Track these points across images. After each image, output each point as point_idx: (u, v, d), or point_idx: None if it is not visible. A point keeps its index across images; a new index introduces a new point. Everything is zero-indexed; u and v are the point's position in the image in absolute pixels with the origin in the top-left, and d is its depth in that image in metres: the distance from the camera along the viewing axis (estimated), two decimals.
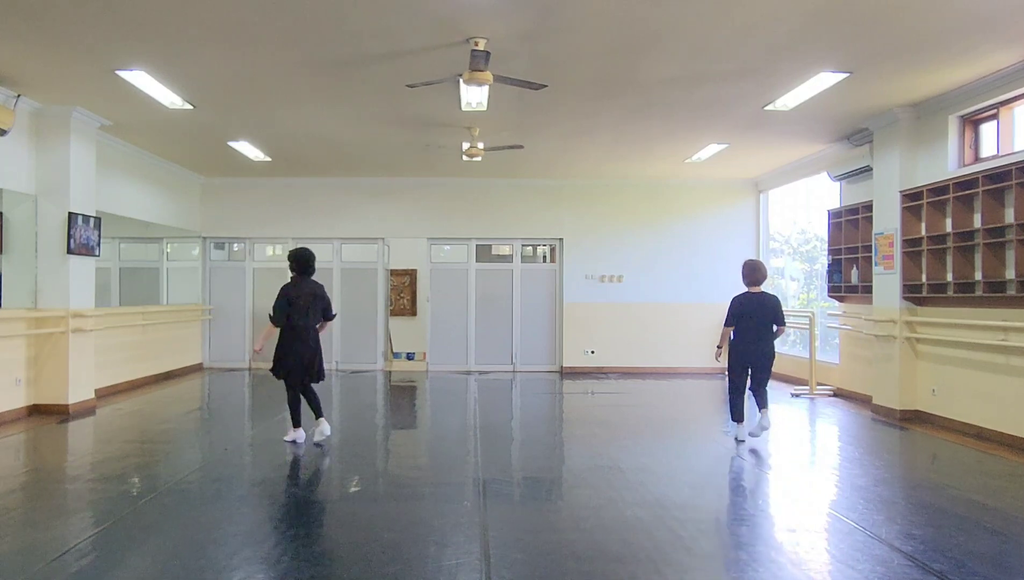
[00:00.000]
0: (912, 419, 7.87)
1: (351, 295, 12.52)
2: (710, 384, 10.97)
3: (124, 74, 6.64)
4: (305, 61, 6.35)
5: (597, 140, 9.37)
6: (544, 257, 12.85)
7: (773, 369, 6.66)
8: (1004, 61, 6.28)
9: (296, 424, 6.48)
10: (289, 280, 6.44)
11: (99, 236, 8.54)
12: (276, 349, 6.33)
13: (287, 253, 6.57)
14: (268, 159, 10.55)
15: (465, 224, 12.48)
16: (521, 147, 9.34)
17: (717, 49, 6.00)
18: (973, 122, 7.38)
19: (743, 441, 6.63)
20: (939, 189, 7.46)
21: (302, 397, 6.46)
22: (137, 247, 12.62)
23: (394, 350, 12.39)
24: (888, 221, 8.17)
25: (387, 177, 12.29)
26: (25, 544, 3.98)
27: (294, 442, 6.44)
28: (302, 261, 6.43)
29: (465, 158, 9.38)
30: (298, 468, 5.82)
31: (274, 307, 6.26)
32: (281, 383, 6.44)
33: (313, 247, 6.71)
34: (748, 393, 6.67)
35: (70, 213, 7.95)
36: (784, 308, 6.88)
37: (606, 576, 3.59)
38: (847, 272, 9.33)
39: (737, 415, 6.70)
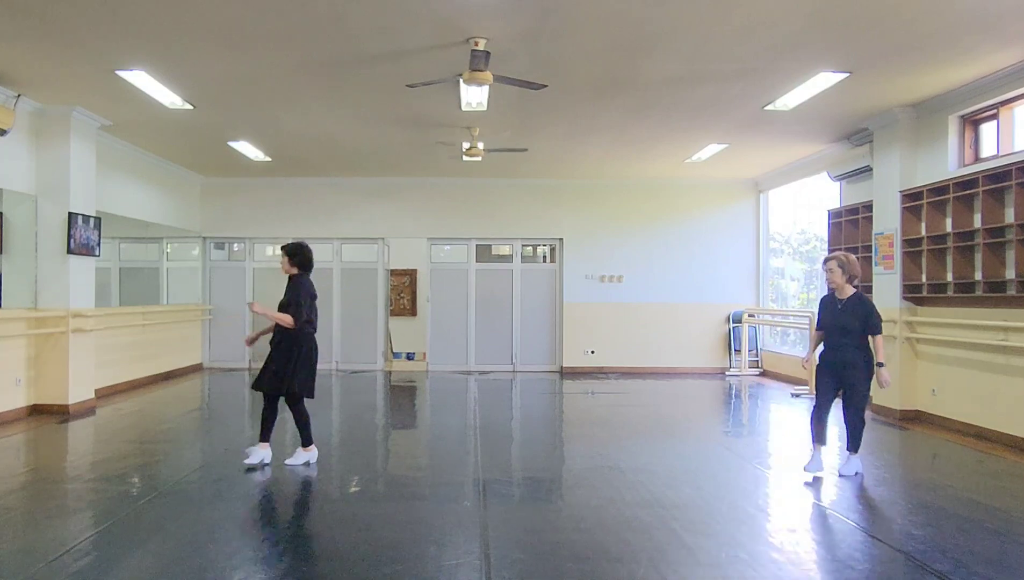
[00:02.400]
0: (912, 419, 7.86)
1: (351, 295, 12.52)
2: (710, 384, 10.97)
3: (124, 74, 6.63)
4: (305, 61, 6.35)
5: (597, 140, 9.37)
6: (544, 257, 12.85)
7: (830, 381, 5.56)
8: (1004, 61, 6.27)
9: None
10: (295, 278, 5.66)
11: (99, 236, 8.54)
12: (304, 359, 5.59)
13: (285, 247, 5.72)
14: (268, 159, 10.55)
15: (465, 224, 12.47)
16: (525, 150, 9.34)
17: (717, 49, 5.99)
18: (973, 122, 7.37)
19: (814, 473, 5.49)
20: (939, 189, 7.45)
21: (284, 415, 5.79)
22: (137, 247, 12.62)
23: (394, 350, 12.39)
24: (888, 221, 8.17)
25: (387, 177, 12.28)
26: (25, 544, 3.98)
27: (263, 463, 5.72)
28: (310, 257, 5.77)
29: (466, 158, 9.38)
30: (298, 468, 5.81)
31: (298, 303, 5.50)
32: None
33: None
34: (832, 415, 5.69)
35: (70, 213, 7.95)
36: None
37: (606, 576, 3.59)
38: None
39: (816, 436, 5.59)
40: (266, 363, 5.63)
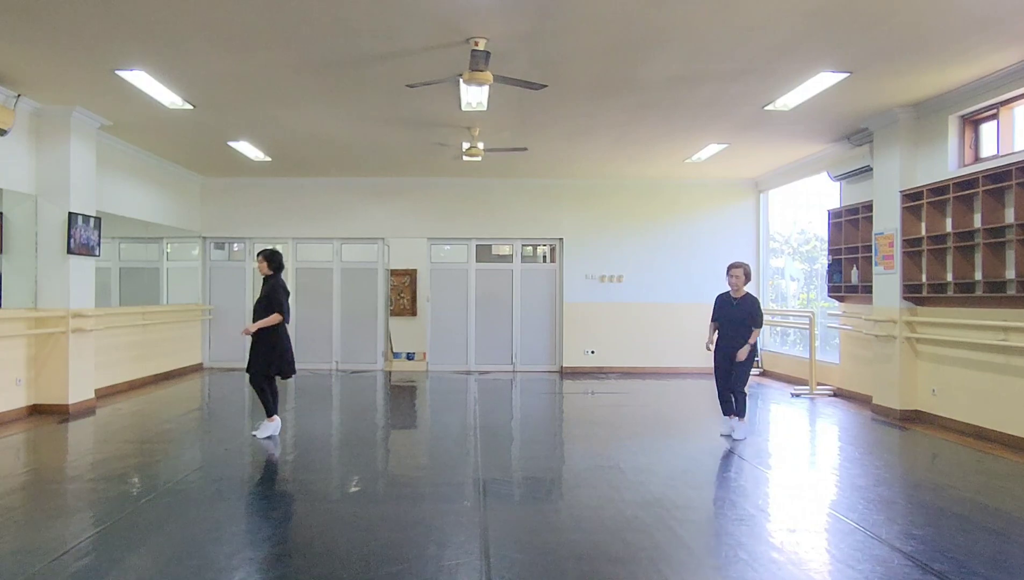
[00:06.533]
0: (912, 419, 7.87)
1: (351, 295, 12.51)
2: (711, 384, 10.93)
3: (124, 74, 6.64)
4: (305, 61, 6.35)
5: (597, 140, 9.37)
6: (544, 257, 12.85)
7: (759, 369, 6.74)
8: (1004, 61, 6.28)
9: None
10: (271, 278, 6.73)
11: (99, 236, 8.54)
12: (274, 344, 6.61)
13: (263, 252, 6.83)
14: (268, 159, 10.55)
15: (465, 224, 12.47)
16: (525, 149, 9.33)
17: (717, 49, 6.00)
18: (973, 122, 7.37)
19: (722, 434, 6.95)
20: (939, 189, 7.46)
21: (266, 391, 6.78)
22: (137, 247, 12.62)
23: (394, 350, 12.39)
24: (888, 221, 8.17)
25: (387, 177, 12.28)
26: (25, 544, 3.97)
27: (271, 437, 6.66)
28: (282, 261, 6.88)
29: (466, 158, 9.38)
30: (298, 468, 5.82)
31: (281, 301, 6.60)
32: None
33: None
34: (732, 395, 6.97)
35: (70, 213, 7.95)
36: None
37: (606, 576, 3.59)
38: (847, 272, 9.33)
39: (724, 409, 7.06)
40: (253, 352, 6.65)
